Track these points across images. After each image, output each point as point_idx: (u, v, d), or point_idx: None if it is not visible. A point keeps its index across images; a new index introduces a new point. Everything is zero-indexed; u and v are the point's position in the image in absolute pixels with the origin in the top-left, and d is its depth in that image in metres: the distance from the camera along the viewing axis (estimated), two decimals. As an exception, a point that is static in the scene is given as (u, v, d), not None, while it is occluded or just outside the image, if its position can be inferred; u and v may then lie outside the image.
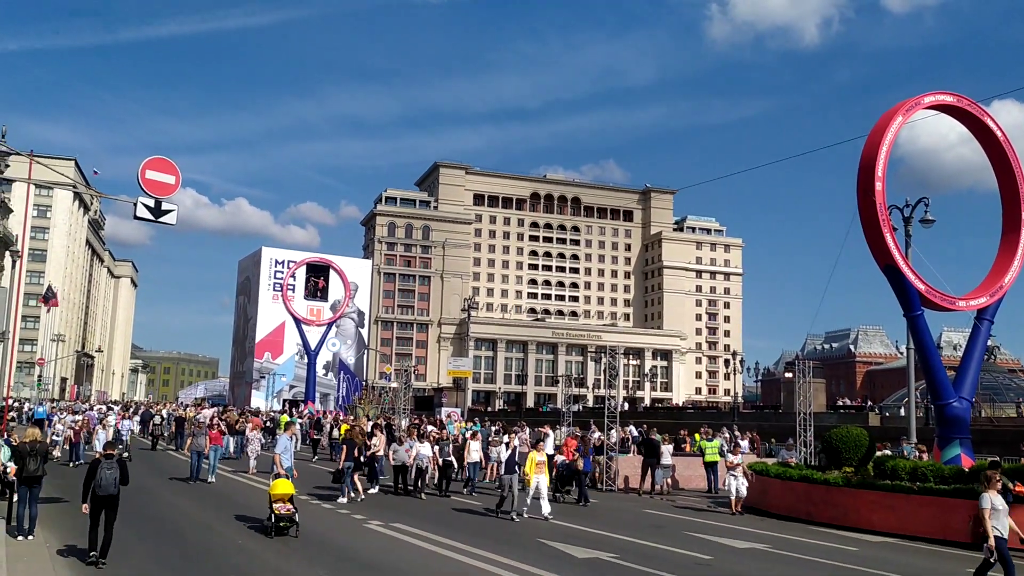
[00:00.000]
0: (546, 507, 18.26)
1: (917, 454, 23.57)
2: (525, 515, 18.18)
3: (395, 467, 22.30)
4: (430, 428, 30.33)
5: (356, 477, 20.38)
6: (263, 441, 29.40)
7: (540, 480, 18.44)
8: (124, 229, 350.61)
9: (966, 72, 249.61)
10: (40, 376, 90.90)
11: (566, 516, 19.10)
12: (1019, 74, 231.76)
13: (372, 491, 21.89)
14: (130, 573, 11.61)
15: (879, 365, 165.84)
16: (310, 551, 13.32)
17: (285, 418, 39.40)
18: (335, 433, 30.88)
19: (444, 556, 13.49)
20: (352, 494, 20.00)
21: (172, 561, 12.43)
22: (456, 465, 24.14)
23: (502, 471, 18.95)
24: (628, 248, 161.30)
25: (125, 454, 27.37)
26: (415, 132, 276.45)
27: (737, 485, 20.56)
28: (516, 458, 19.08)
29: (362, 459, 20.98)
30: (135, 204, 13.98)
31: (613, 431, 26.72)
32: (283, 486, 14.62)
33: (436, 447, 23.10)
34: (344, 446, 20.79)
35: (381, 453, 23.11)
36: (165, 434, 38.13)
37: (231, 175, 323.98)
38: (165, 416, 40.78)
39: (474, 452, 23.81)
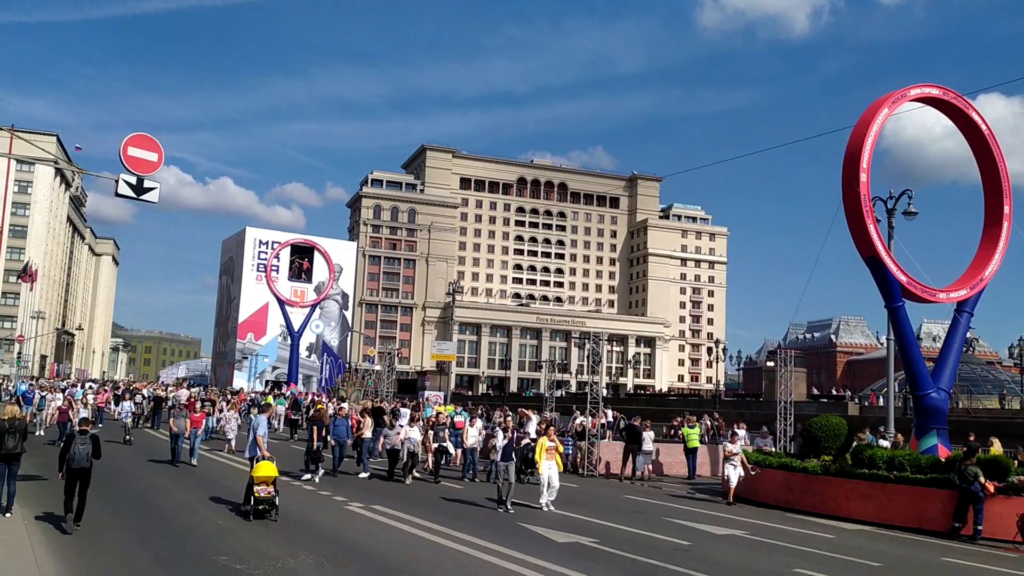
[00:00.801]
0: (547, 496, 17.28)
1: (892, 441, 23.89)
2: (544, 507, 17.20)
3: (388, 452, 22.17)
4: (403, 410, 30.34)
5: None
6: (239, 421, 29.11)
7: (551, 468, 17.32)
8: (106, 206, 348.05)
9: (953, 65, 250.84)
10: (20, 353, 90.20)
11: (531, 497, 19.18)
12: (1005, 68, 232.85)
13: (363, 476, 21.72)
14: (109, 553, 11.57)
15: (860, 355, 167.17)
16: (290, 532, 13.31)
17: (269, 399, 39.32)
18: (311, 414, 30.83)
19: (423, 539, 13.52)
20: (309, 474, 20.28)
21: (151, 541, 12.39)
22: (452, 451, 23.38)
23: (498, 458, 18.00)
24: (614, 235, 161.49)
25: (129, 437, 27.39)
26: (403, 115, 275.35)
27: (736, 474, 19.92)
28: (514, 445, 18.30)
29: (328, 439, 21.89)
30: (117, 181, 13.85)
31: (597, 415, 26.83)
32: (266, 468, 14.41)
33: (431, 431, 22.43)
34: (314, 427, 21.26)
35: (367, 436, 22.93)
36: (145, 412, 37.95)
37: (216, 154, 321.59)
38: (147, 395, 40.57)
39: (471, 437, 23.55)
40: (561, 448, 18.64)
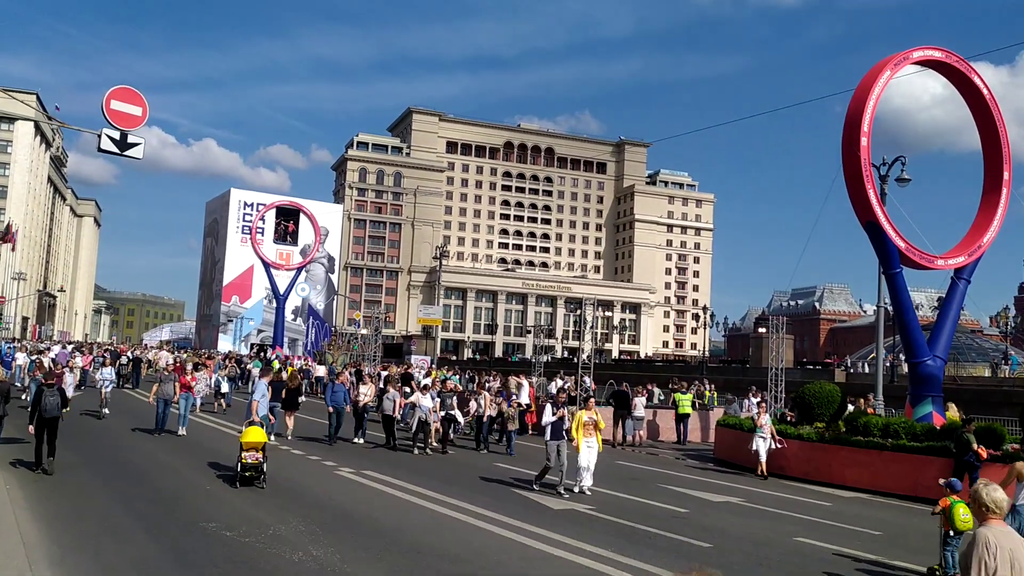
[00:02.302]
0: (588, 479, 15.13)
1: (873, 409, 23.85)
2: (577, 489, 15.07)
3: (384, 417, 21.37)
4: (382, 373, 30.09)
5: (287, 416, 20.88)
6: (208, 381, 28.23)
7: (591, 445, 15.10)
8: (88, 167, 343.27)
9: (942, 33, 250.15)
10: (1, 315, 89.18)
11: (531, 464, 18.99)
12: (994, 37, 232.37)
13: (358, 442, 21.10)
14: (95, 518, 11.24)
15: (843, 322, 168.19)
16: (280, 498, 13.01)
17: (275, 363, 38.87)
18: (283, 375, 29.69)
19: (416, 504, 13.27)
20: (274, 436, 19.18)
21: (138, 505, 12.08)
22: (460, 419, 22.28)
23: (547, 436, 15.41)
24: (600, 200, 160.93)
25: (106, 411, 23.97)
26: (389, 77, 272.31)
27: (764, 447, 18.96)
28: (564, 423, 15.79)
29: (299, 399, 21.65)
30: (99, 136, 13.32)
31: (587, 379, 26.65)
32: (255, 434, 14.00)
33: (438, 399, 20.90)
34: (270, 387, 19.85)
35: (365, 402, 21.93)
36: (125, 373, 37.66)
37: (199, 115, 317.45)
38: (131, 357, 40.19)
39: (483, 406, 22.14)
40: (603, 424, 15.94)
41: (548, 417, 15.50)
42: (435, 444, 20.62)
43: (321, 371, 43.72)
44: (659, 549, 10.98)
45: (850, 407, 21.80)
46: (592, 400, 16.54)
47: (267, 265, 73.32)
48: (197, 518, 11.26)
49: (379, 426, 22.32)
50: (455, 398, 21.88)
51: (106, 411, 24.10)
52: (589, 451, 15.04)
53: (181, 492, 13.44)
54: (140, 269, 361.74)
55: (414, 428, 20.32)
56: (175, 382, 21.37)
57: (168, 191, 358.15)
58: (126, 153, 13.31)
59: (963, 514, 9.83)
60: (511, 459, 20.01)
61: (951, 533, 10.06)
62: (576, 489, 15.02)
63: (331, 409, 21.09)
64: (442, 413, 20.84)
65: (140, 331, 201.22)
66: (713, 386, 33.47)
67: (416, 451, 19.91)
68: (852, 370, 58.41)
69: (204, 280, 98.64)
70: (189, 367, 24.54)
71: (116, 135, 13.23)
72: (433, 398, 20.56)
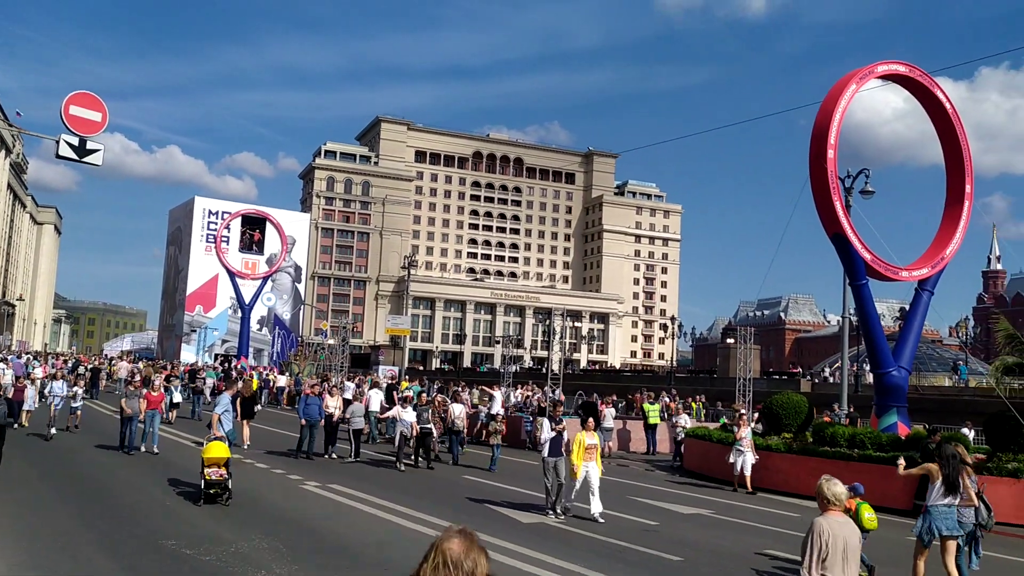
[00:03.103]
0: (597, 505, 13.85)
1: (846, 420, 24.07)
2: (570, 512, 14.17)
3: (353, 431, 20.76)
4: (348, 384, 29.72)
5: (243, 426, 20.57)
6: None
7: (591, 469, 13.93)
8: (49, 173, 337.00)
9: (903, 49, 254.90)
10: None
11: (507, 478, 18.84)
12: (953, 52, 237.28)
13: (326, 457, 20.37)
14: (50, 535, 10.88)
15: (808, 332, 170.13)
16: (243, 514, 12.72)
17: (259, 381, 38.30)
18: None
19: (381, 518, 13.05)
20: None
21: (95, 523, 11.73)
22: (435, 433, 21.34)
23: (544, 453, 14.57)
24: (569, 211, 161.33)
25: (53, 430, 21.63)
26: (357, 86, 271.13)
27: (744, 460, 18.60)
28: (563, 439, 14.86)
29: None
30: (58, 142, 12.98)
31: (557, 391, 26.56)
32: (217, 449, 13.55)
33: (415, 412, 20.14)
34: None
35: (332, 413, 21.06)
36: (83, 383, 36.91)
37: (163, 122, 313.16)
38: (88, 368, 39.45)
39: (458, 419, 21.82)
40: (599, 447, 14.90)
41: (546, 433, 14.56)
42: (419, 459, 20.17)
43: (283, 381, 43.20)
44: (629, 563, 10.88)
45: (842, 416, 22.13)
46: (592, 420, 15.01)
47: (232, 274, 72.54)
48: (156, 535, 10.94)
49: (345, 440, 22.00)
50: (430, 411, 21.00)
51: (53, 430, 21.79)
52: (592, 472, 13.90)
53: (139, 508, 13.08)
54: (101, 278, 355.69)
55: (397, 443, 19.78)
56: (141, 397, 20.28)
57: (131, 199, 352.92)
58: (85, 160, 12.98)
59: (868, 514, 10.43)
60: (491, 475, 19.58)
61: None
62: (578, 515, 13.96)
63: (304, 422, 20.27)
64: (419, 427, 20.09)
65: (101, 341, 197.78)
66: (703, 398, 33.40)
67: (402, 467, 19.25)
68: (817, 380, 58.92)
69: (167, 289, 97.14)
70: (157, 382, 23.26)
71: (75, 141, 12.89)
72: (415, 412, 19.95)
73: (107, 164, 14.13)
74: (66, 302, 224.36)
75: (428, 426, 20.33)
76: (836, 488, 6.03)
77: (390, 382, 32.04)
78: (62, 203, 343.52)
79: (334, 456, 20.57)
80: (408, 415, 19.75)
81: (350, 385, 29.45)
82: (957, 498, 10.03)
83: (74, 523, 11.75)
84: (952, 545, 9.91)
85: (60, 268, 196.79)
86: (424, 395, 23.42)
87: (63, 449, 19.95)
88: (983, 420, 18.73)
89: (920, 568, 9.95)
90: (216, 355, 75.70)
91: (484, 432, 24.23)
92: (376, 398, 24.85)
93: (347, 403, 22.78)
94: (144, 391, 20.83)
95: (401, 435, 19.69)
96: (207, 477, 13.24)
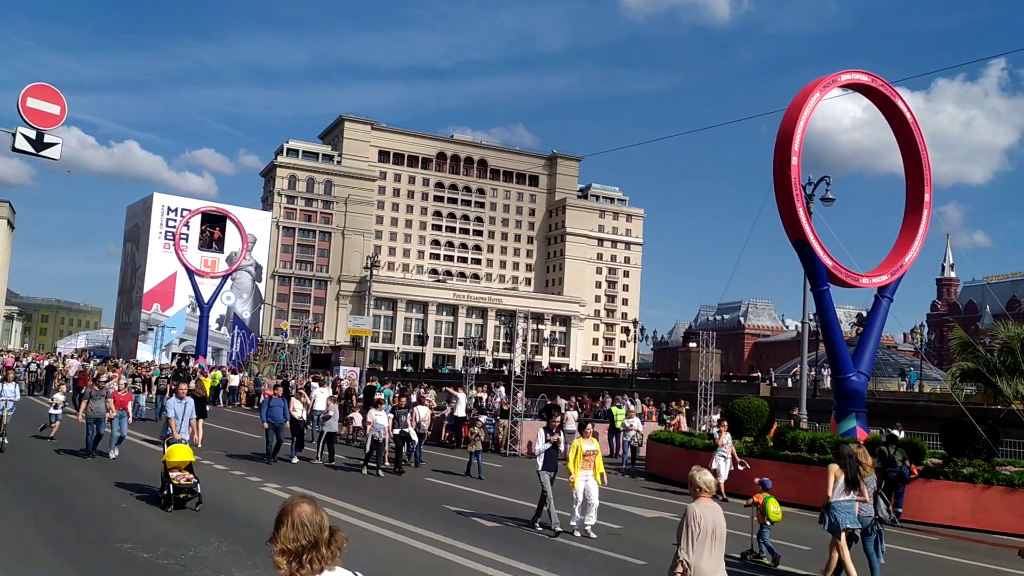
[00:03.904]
0: (592, 517, 13.02)
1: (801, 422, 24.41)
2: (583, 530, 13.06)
3: (326, 435, 20.31)
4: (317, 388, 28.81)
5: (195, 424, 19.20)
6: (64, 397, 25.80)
7: (588, 481, 12.93)
8: (2, 167, 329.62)
9: (861, 59, 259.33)
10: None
11: (470, 481, 18.75)
12: (911, 64, 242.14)
13: (293, 461, 19.81)
14: (3, 539, 10.57)
15: (766, 337, 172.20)
16: (202, 517, 12.48)
17: (208, 379, 37.47)
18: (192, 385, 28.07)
19: (344, 521, 12.86)
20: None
21: (50, 526, 11.42)
22: (415, 438, 20.57)
23: (539, 466, 13.51)
24: (532, 213, 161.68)
25: (5, 440, 18.72)
26: (322, 84, 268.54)
27: (726, 467, 18.29)
28: (559, 450, 13.87)
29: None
30: (14, 135, 12.63)
31: (519, 395, 26.51)
32: (180, 452, 13.17)
33: (391, 415, 19.54)
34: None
35: (299, 416, 20.64)
36: (38, 380, 36.09)
37: (121, 116, 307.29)
38: (41, 365, 38.59)
39: (423, 421, 21.50)
40: (598, 453, 13.58)
41: (542, 444, 13.54)
42: (387, 464, 19.55)
43: (235, 380, 42.60)
44: (593, 567, 10.86)
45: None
46: (590, 427, 13.78)
47: (191, 272, 71.41)
48: (112, 539, 10.69)
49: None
50: (408, 414, 20.23)
51: (5, 440, 18.74)
52: (590, 484, 12.93)
53: (96, 511, 12.78)
54: (55, 274, 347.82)
55: (368, 447, 19.11)
56: (107, 398, 18.98)
57: (87, 194, 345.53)
58: (42, 153, 12.63)
59: (774, 507, 11.79)
60: (462, 479, 19.29)
61: (766, 523, 11.92)
62: (577, 530, 13.00)
63: (266, 425, 19.50)
64: (396, 431, 19.37)
65: (54, 338, 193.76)
66: (688, 404, 32.84)
67: (365, 471, 18.77)
68: (776, 384, 59.61)
69: (123, 287, 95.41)
70: (123, 381, 21.98)
71: (32, 134, 12.55)
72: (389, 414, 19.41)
73: (64, 158, 13.63)
74: (18, 298, 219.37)
75: (407, 430, 19.55)
76: (706, 477, 6.69)
77: (369, 385, 30.83)
78: (16, 197, 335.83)
79: (296, 461, 19.98)
80: (382, 418, 19.01)
81: (322, 391, 25.45)
82: (857, 494, 10.79)
83: (28, 526, 11.43)
84: (847, 537, 10.72)
85: (13, 264, 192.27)
86: (403, 397, 22.29)
87: (14, 449, 19.37)
88: (939, 425, 19.05)
89: (834, 558, 10.62)
90: (174, 354, 74.57)
91: (451, 435, 24.05)
92: (322, 397, 23.46)
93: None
94: (111, 391, 19.56)
95: (373, 439, 18.92)
96: (175, 482, 12.80)
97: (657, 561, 11.41)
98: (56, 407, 21.55)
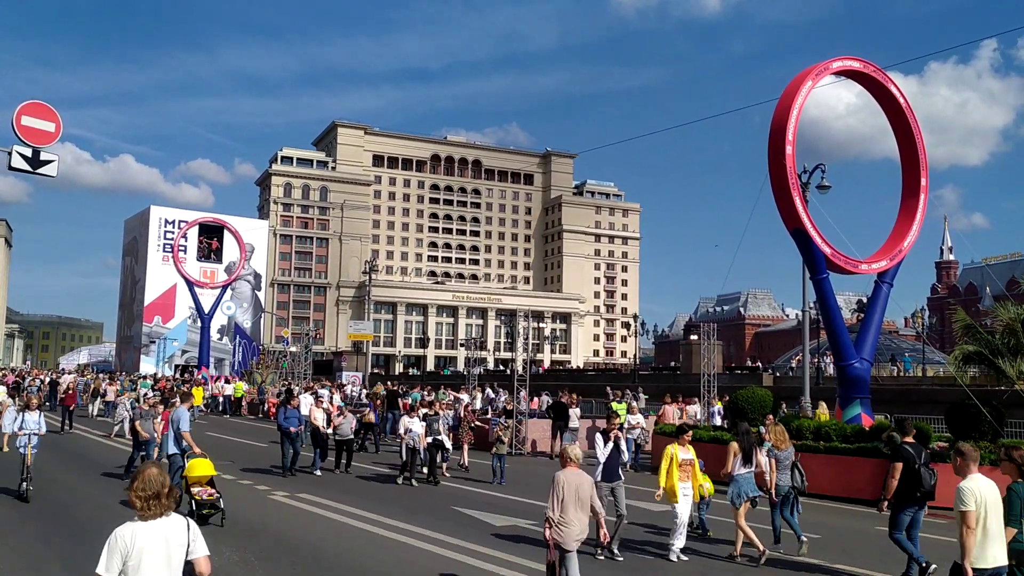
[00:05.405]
0: (680, 540, 11.33)
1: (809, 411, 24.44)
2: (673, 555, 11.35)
3: (337, 442, 19.85)
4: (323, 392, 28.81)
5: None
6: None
7: (686, 494, 11.53)
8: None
9: (852, 47, 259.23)
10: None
11: (475, 482, 18.74)
12: (903, 48, 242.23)
13: (316, 473, 19.04)
14: (9, 556, 10.58)
15: (767, 327, 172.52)
16: (211, 526, 12.48)
17: (200, 390, 37.41)
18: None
19: (354, 527, 12.92)
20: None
21: (57, 541, 11.44)
22: (448, 446, 19.65)
23: (598, 476, 11.41)
24: (528, 211, 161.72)
25: (31, 488, 14.57)
26: (313, 91, 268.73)
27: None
28: (621, 457, 12.09)
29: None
30: (10, 154, 12.64)
31: (523, 393, 26.52)
32: (202, 467, 12.86)
33: (423, 423, 18.63)
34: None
35: (318, 425, 19.99)
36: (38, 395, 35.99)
37: (115, 130, 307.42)
38: (43, 381, 38.62)
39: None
40: (696, 463, 12.01)
41: (600, 452, 11.69)
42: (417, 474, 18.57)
43: (229, 390, 42.57)
44: (600, 565, 10.87)
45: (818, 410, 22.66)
46: (688, 435, 12.17)
47: (191, 284, 71.46)
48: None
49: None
50: (440, 420, 19.32)
51: (30, 487, 14.66)
52: (686, 501, 11.53)
53: (104, 525, 12.76)
54: (55, 290, 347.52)
55: (404, 457, 18.26)
56: (155, 418, 17.89)
57: (84, 209, 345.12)
58: (39, 171, 12.63)
59: (705, 484, 12.74)
60: (501, 488, 18.33)
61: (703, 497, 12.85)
62: (671, 555, 11.28)
63: (286, 434, 18.73)
64: (429, 440, 18.48)
65: (56, 355, 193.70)
66: (682, 396, 32.27)
67: (401, 480, 18.12)
68: (778, 373, 59.65)
69: (123, 300, 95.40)
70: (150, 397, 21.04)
71: (28, 152, 12.56)
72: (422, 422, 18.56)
73: (59, 175, 13.70)
74: (19, 316, 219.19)
75: (439, 437, 18.84)
76: (576, 451, 8.71)
77: (391, 390, 30.48)
78: (13, 215, 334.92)
79: (319, 472, 19.24)
80: (416, 426, 18.27)
81: (305, 398, 24.34)
82: (753, 466, 11.69)
83: (36, 543, 11.44)
84: (747, 505, 11.49)
85: (12, 281, 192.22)
86: (436, 402, 21.29)
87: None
88: (943, 409, 19.04)
89: (744, 524, 11.29)
90: (176, 366, 74.59)
91: (451, 436, 23.92)
92: (306, 403, 22.57)
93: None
94: (161, 410, 18.29)
95: (411, 449, 18.10)
96: (197, 497, 12.51)
97: (666, 555, 11.43)
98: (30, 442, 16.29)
